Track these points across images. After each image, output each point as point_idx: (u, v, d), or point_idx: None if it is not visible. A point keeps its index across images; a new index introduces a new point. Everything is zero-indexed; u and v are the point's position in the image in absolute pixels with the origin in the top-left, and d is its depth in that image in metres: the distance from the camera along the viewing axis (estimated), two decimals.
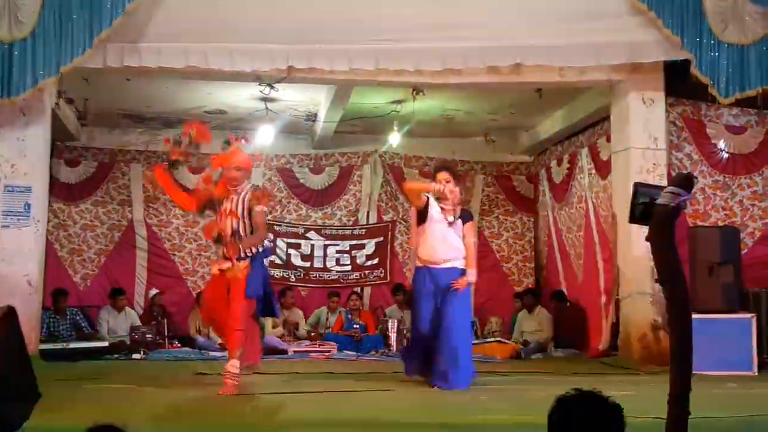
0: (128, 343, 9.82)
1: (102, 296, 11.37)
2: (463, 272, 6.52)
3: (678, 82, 8.55)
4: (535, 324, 10.69)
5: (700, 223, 8.67)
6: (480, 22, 8.14)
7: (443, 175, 6.51)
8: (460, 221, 6.59)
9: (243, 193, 6.39)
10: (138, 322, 10.49)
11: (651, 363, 7.98)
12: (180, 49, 7.94)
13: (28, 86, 7.60)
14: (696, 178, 8.37)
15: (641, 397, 5.59)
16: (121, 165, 11.93)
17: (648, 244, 3.31)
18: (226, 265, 6.29)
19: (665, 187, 3.35)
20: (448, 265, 6.48)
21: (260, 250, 6.33)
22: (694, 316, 3.72)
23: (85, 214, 11.71)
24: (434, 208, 6.52)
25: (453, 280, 6.46)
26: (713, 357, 7.17)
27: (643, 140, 8.53)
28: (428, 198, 6.53)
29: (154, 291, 11.21)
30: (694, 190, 4.55)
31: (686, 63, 8.09)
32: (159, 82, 9.68)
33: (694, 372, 3.15)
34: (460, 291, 6.50)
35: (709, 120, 8.95)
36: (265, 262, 6.49)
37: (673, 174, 8.40)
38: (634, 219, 3.47)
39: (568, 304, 10.96)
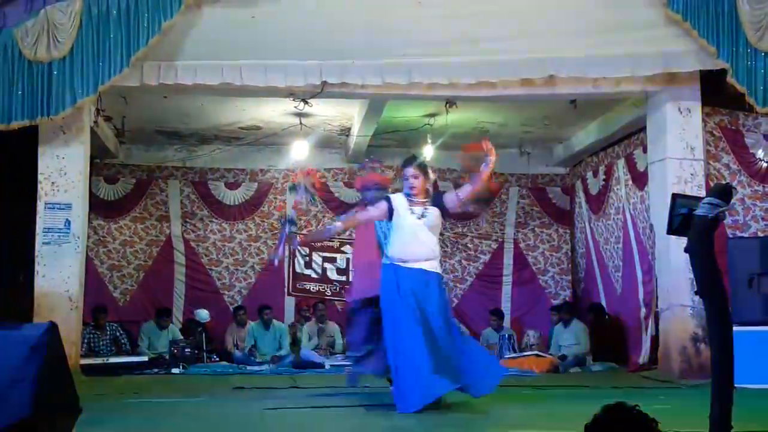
0: (167, 357, 9.92)
1: (141, 311, 11.52)
2: (436, 276, 5.98)
3: (714, 91, 8.46)
4: (571, 337, 10.59)
5: (739, 234, 8.56)
6: (513, 35, 8.13)
7: (410, 171, 6.05)
8: (432, 211, 6.01)
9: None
10: (180, 337, 10.60)
11: (691, 376, 7.89)
12: (215, 66, 8.04)
13: (68, 105, 7.73)
14: (734, 188, 8.25)
15: (681, 411, 5.53)
16: (158, 181, 12.09)
17: (687, 255, 3.29)
18: None
19: (703, 197, 3.32)
20: (417, 265, 5.91)
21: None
22: (735, 328, 3.68)
23: (124, 231, 11.88)
24: (400, 205, 6.01)
25: (423, 282, 5.89)
26: (755, 370, 7.05)
27: (679, 150, 8.45)
28: (388, 199, 6.12)
29: (204, 316, 11.15)
30: (732, 201, 4.50)
31: (722, 72, 8.01)
32: (195, 98, 9.80)
33: (735, 385, 3.11)
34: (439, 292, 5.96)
35: (747, 129, 8.84)
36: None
37: (711, 184, 8.31)
38: (672, 230, 3.45)
39: (606, 317, 10.85)
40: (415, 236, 5.92)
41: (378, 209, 6.12)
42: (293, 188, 6.96)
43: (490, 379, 5.91)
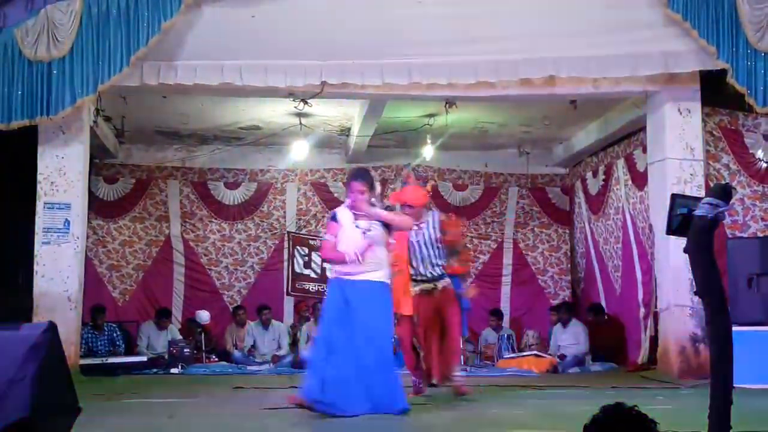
0: (166, 357, 9.92)
1: (140, 311, 11.52)
2: (381, 285, 5.86)
3: (714, 91, 8.47)
4: (570, 337, 10.59)
5: (738, 234, 8.56)
6: (512, 35, 8.13)
7: (357, 186, 5.91)
8: (377, 225, 5.88)
9: (431, 221, 6.87)
10: (179, 337, 10.60)
11: (690, 376, 7.89)
12: (215, 66, 8.04)
13: (67, 104, 7.73)
14: (734, 188, 8.27)
15: (681, 411, 5.53)
16: (158, 181, 12.09)
17: (686, 255, 3.29)
18: (430, 285, 6.82)
19: (703, 198, 3.32)
20: (362, 277, 5.80)
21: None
22: (734, 328, 3.67)
23: (124, 231, 11.88)
24: (345, 219, 5.92)
25: (368, 294, 5.80)
26: (754, 370, 7.05)
27: (679, 151, 8.46)
28: (334, 216, 6.05)
29: (205, 317, 11.17)
30: (732, 201, 4.50)
31: (722, 72, 8.01)
32: (194, 99, 9.80)
33: (734, 385, 3.11)
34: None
35: (747, 129, 8.85)
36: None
37: (711, 185, 8.31)
38: (671, 230, 3.45)
39: (606, 317, 10.85)
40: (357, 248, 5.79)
41: (332, 234, 5.97)
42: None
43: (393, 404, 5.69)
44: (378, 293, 5.83)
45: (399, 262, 6.74)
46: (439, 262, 6.86)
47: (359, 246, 5.76)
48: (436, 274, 6.86)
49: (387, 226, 5.95)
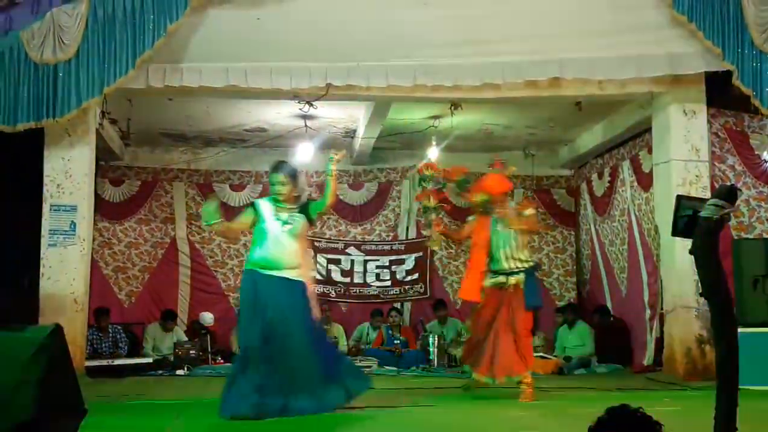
0: (172, 359, 9.93)
1: (146, 313, 11.54)
2: (298, 284, 5.80)
3: (720, 93, 8.45)
4: (575, 339, 10.58)
5: (744, 236, 8.54)
6: (517, 36, 8.12)
7: (278, 177, 5.90)
8: (298, 218, 5.89)
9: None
10: (184, 339, 10.62)
11: (696, 378, 7.87)
12: (220, 69, 8.06)
13: (73, 107, 7.74)
14: (739, 190, 8.21)
15: (686, 413, 5.52)
16: (163, 183, 12.11)
17: (692, 257, 3.28)
18: (502, 279, 6.84)
19: (708, 199, 3.32)
20: (279, 273, 5.75)
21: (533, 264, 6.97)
22: (740, 329, 3.67)
23: (130, 233, 11.90)
24: (266, 211, 5.90)
25: (285, 290, 5.74)
26: (760, 371, 7.03)
27: (684, 152, 8.44)
28: (254, 204, 6.03)
29: (208, 319, 11.22)
30: (737, 202, 4.50)
31: (728, 74, 7.99)
32: (200, 101, 9.82)
33: (740, 387, 3.10)
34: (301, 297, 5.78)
35: (752, 131, 8.83)
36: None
37: (716, 186, 8.29)
38: (677, 232, 3.44)
39: (611, 318, 10.83)
40: (278, 243, 5.77)
41: (242, 217, 5.99)
42: (424, 179, 7.11)
43: (334, 396, 5.73)
44: (296, 291, 5.76)
45: (477, 250, 6.88)
46: (518, 255, 6.85)
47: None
48: (513, 268, 6.84)
49: (309, 220, 5.91)
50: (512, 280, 6.85)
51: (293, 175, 5.95)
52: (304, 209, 5.96)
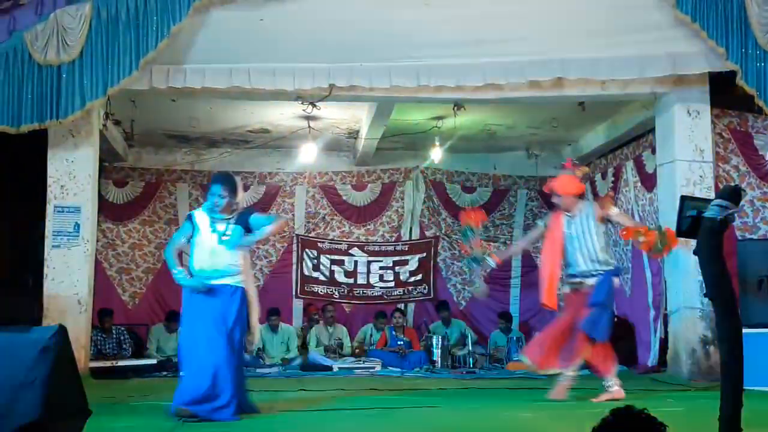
0: (176, 360, 9.92)
1: (150, 314, 11.55)
2: (237, 290, 5.79)
3: (723, 93, 8.44)
4: None
5: (748, 236, 8.53)
6: (521, 37, 8.13)
7: (218, 189, 5.81)
8: (235, 229, 5.82)
9: (586, 211, 6.74)
10: None
11: (701, 379, 7.86)
12: (224, 70, 8.06)
13: (77, 108, 7.75)
14: (744, 190, 8.23)
15: (691, 414, 5.51)
16: (167, 185, 12.11)
17: (696, 257, 3.28)
18: (578, 281, 6.75)
19: (712, 200, 3.31)
20: (219, 282, 5.75)
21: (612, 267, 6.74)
22: (745, 330, 3.66)
23: (133, 234, 11.90)
24: (202, 222, 5.84)
25: (226, 297, 5.76)
26: (765, 372, 7.02)
27: (688, 153, 8.43)
28: (190, 216, 5.96)
29: None
30: (742, 203, 4.49)
31: (732, 74, 7.98)
32: (203, 102, 9.82)
33: (745, 388, 3.10)
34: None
35: (756, 131, 8.82)
36: (615, 280, 6.78)
37: (721, 186, 8.28)
38: (681, 232, 3.45)
39: (616, 319, 10.80)
40: (215, 254, 5.77)
41: (186, 233, 5.92)
42: (468, 232, 7.05)
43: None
44: (236, 297, 5.78)
45: (550, 257, 6.79)
46: (600, 257, 6.62)
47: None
48: (593, 270, 6.63)
49: (247, 230, 5.87)
50: (590, 281, 6.65)
51: (233, 190, 5.92)
52: (241, 219, 5.92)
